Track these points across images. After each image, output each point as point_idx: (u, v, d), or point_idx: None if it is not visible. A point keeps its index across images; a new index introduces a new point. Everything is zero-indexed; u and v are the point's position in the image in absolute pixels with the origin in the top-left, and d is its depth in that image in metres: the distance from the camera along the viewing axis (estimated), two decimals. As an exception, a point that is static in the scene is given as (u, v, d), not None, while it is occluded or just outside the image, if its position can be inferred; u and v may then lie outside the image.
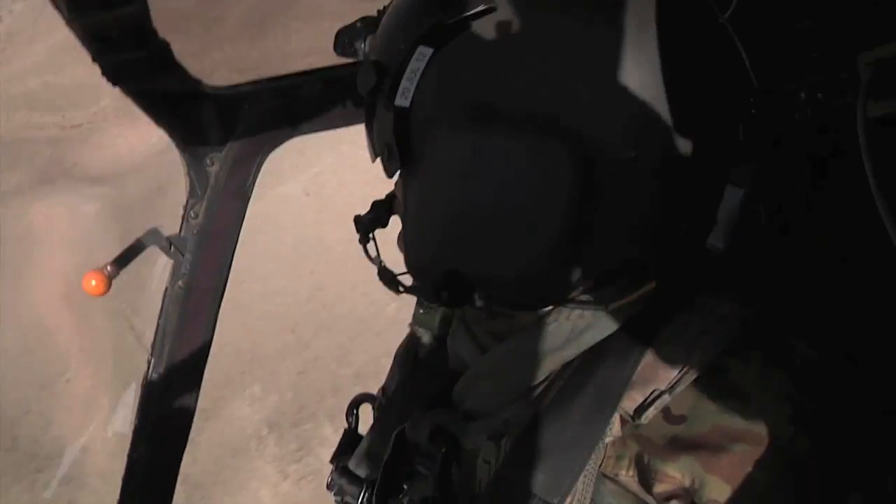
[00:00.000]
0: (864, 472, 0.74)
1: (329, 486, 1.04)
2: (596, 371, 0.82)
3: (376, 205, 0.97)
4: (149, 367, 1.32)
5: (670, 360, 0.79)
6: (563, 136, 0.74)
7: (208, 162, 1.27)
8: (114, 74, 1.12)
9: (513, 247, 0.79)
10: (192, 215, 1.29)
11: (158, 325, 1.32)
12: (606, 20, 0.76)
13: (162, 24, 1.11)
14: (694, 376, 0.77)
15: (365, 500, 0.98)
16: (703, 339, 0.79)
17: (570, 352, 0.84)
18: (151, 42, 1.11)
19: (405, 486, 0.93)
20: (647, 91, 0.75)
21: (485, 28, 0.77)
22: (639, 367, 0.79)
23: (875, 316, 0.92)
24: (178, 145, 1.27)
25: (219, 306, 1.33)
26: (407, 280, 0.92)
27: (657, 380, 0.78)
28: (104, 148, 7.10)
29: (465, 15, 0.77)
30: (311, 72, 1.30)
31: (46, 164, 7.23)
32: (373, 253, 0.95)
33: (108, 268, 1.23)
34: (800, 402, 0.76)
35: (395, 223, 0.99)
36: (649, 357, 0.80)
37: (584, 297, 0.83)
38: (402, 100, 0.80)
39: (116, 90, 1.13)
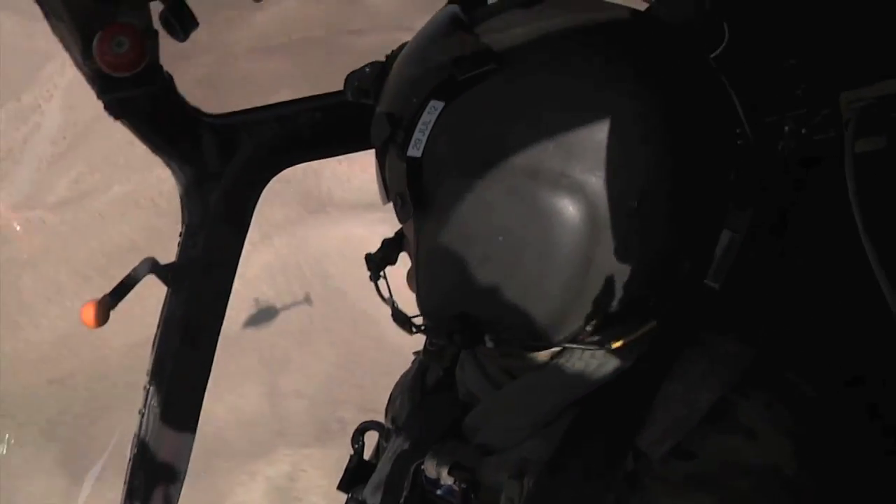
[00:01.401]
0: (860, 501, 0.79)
1: None
2: (609, 409, 0.86)
3: (386, 243, 1.00)
4: (147, 397, 1.31)
5: (679, 397, 0.83)
6: (570, 188, 0.79)
7: (207, 190, 1.27)
8: (117, 110, 1.11)
9: (522, 292, 0.83)
10: (190, 244, 1.28)
11: (156, 355, 1.31)
12: (606, 78, 0.81)
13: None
14: (702, 413, 0.81)
15: None
16: (709, 377, 0.84)
17: (583, 389, 0.89)
18: (157, 78, 1.11)
19: None
20: (648, 143, 0.80)
21: (494, 84, 0.82)
22: (650, 405, 0.83)
23: (864, 345, 0.97)
24: (175, 174, 1.27)
25: (217, 336, 1.33)
26: (419, 320, 0.95)
27: (667, 417, 0.82)
28: (351, 178, 7.07)
29: (476, 72, 0.82)
30: (309, 99, 1.31)
31: (299, 197, 7.08)
32: (384, 290, 0.98)
33: (106, 299, 1.22)
34: (802, 438, 0.81)
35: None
36: (659, 395, 0.84)
37: (590, 339, 0.87)
38: (415, 151, 0.84)
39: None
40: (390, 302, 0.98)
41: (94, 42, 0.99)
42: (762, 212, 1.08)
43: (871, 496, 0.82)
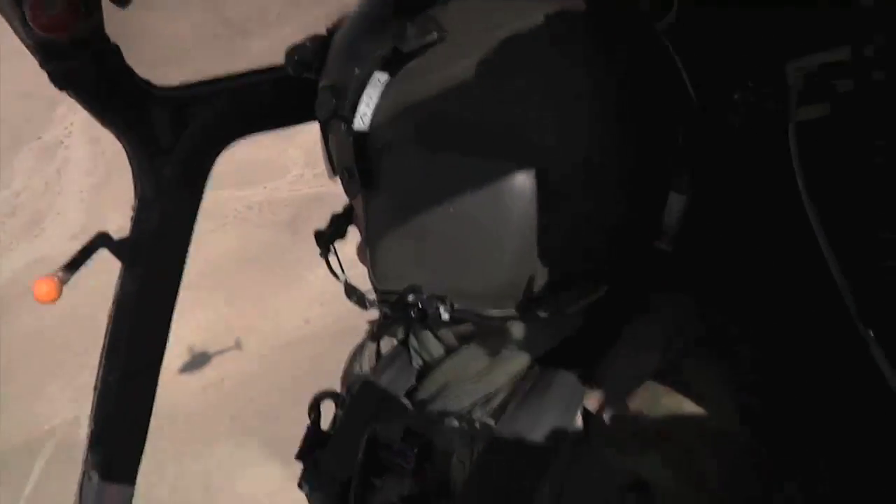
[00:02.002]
0: (800, 460, 0.81)
1: (300, 485, 1.06)
2: (560, 372, 0.87)
3: (336, 218, 0.99)
4: (101, 372, 1.30)
5: (628, 359, 0.84)
6: (519, 155, 0.79)
7: (158, 164, 1.25)
8: (62, 80, 1.09)
9: (474, 262, 0.83)
10: (143, 218, 1.27)
11: (109, 330, 1.30)
12: (553, 42, 0.81)
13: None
14: (649, 374, 0.83)
15: (338, 498, 1.01)
16: (656, 337, 0.85)
17: (535, 353, 0.89)
18: (103, 48, 1.09)
19: (377, 483, 0.96)
20: (596, 108, 0.81)
21: (438, 53, 0.82)
22: (599, 367, 0.84)
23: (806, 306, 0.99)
24: (126, 148, 1.25)
25: (172, 310, 1.32)
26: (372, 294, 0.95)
27: (615, 378, 0.83)
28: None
29: (420, 44, 0.81)
30: (260, 71, 1.30)
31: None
32: (335, 265, 0.98)
33: (59, 273, 1.21)
34: (745, 398, 0.82)
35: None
36: (608, 356, 0.85)
37: (543, 305, 0.88)
38: (361, 124, 0.83)
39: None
40: (342, 277, 0.98)
41: (26, 4, 0.97)
42: (710, 176, 1.10)
43: (814, 454, 0.84)
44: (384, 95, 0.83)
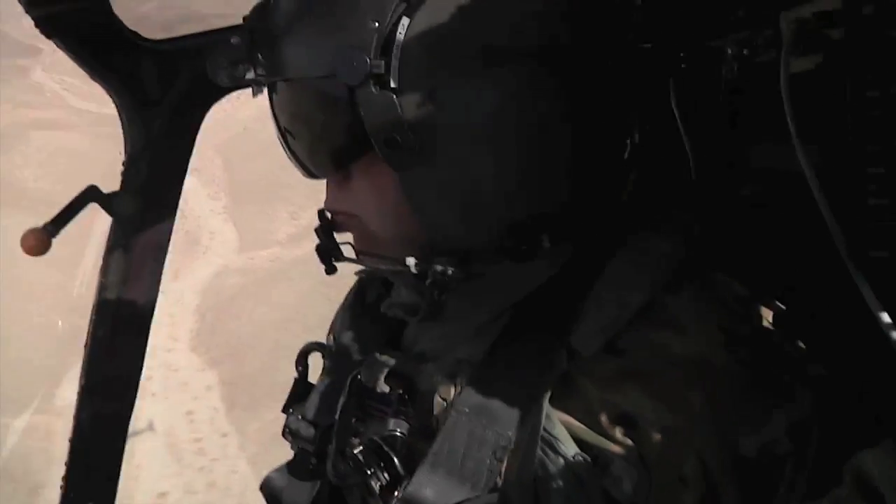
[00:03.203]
0: (787, 390, 0.81)
1: (284, 433, 1.06)
2: (542, 309, 0.87)
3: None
4: (92, 326, 1.30)
5: (610, 297, 0.84)
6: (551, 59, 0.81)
7: (148, 117, 1.25)
8: (48, 26, 1.08)
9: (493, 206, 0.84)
10: (133, 172, 1.27)
11: (100, 282, 1.30)
12: None
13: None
14: (634, 311, 0.83)
15: (320, 444, 1.01)
16: (641, 275, 0.85)
17: (516, 294, 0.90)
18: None
19: (361, 430, 0.96)
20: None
21: None
22: (582, 305, 0.85)
23: (796, 256, 1.00)
24: (115, 100, 1.24)
25: (163, 263, 1.32)
26: None
27: (600, 315, 0.83)
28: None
29: None
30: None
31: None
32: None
33: (48, 227, 1.21)
34: (731, 331, 0.83)
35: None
36: (591, 295, 0.85)
37: (516, 248, 0.87)
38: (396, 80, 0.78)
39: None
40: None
41: None
42: (702, 126, 1.09)
43: (804, 380, 0.84)
44: (407, 45, 0.77)
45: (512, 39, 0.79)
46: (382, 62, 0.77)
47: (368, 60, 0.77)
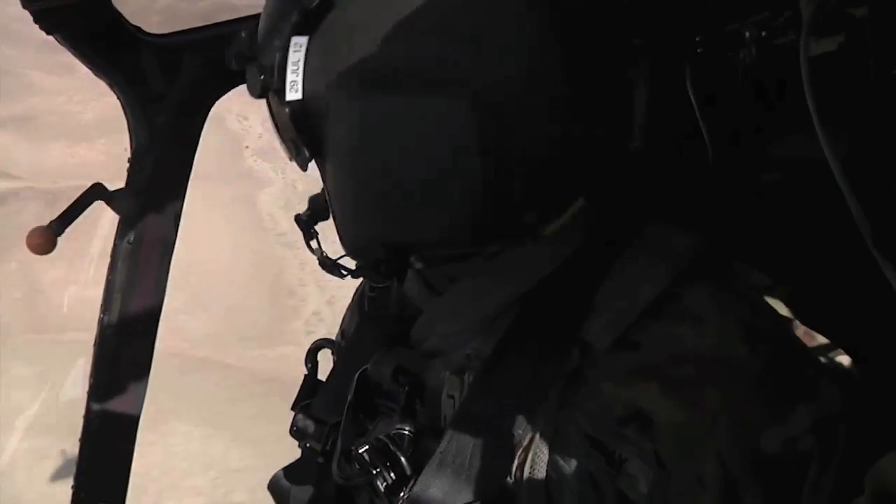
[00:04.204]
0: (811, 385, 0.78)
1: (291, 432, 1.05)
2: (553, 301, 0.84)
3: (312, 200, 0.98)
4: (101, 324, 1.29)
5: (624, 289, 0.81)
6: (451, 83, 0.77)
7: (151, 112, 1.23)
8: (48, 22, 1.07)
9: (431, 204, 0.80)
10: (138, 168, 1.25)
11: (108, 280, 1.29)
12: None
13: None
14: (646, 304, 0.80)
15: (329, 442, 0.99)
16: (654, 268, 0.82)
17: (525, 284, 0.87)
18: None
19: (369, 427, 0.94)
20: (524, 25, 0.78)
21: (349, 2, 0.80)
22: (594, 298, 0.81)
23: (818, 244, 0.96)
24: (119, 97, 1.23)
25: (170, 259, 1.31)
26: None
27: (612, 309, 0.80)
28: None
29: None
30: (251, 17, 1.26)
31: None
32: (315, 247, 0.97)
33: (53, 225, 1.20)
34: (750, 323, 0.79)
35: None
36: (603, 287, 0.82)
37: (516, 231, 0.85)
38: (294, 93, 0.81)
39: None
40: (318, 252, 0.97)
41: None
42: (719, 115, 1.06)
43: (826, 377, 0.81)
44: (309, 59, 0.81)
45: (408, 62, 0.78)
46: (275, 78, 0.83)
47: (262, 77, 0.85)
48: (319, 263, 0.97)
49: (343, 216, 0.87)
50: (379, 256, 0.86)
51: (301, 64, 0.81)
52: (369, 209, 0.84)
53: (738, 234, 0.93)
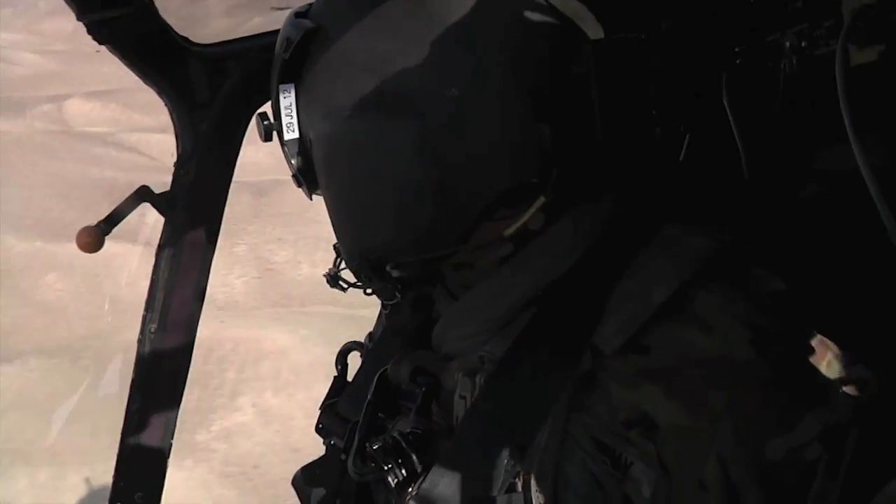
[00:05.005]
0: (821, 392, 0.76)
1: (317, 429, 1.08)
2: (564, 306, 0.85)
3: None
4: (144, 322, 1.34)
5: (635, 292, 0.81)
6: (398, 105, 0.84)
7: (197, 119, 1.28)
8: (100, 33, 1.12)
9: (397, 216, 0.87)
10: (182, 173, 1.30)
11: (152, 280, 1.34)
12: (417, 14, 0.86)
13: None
14: (657, 307, 0.80)
15: (349, 440, 1.02)
16: (667, 271, 0.82)
17: (536, 286, 0.88)
18: (139, 2, 1.12)
19: (389, 426, 0.96)
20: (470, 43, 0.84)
21: (319, 42, 0.90)
22: (606, 301, 0.82)
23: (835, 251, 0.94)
24: (166, 104, 1.28)
25: (210, 262, 1.35)
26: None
27: (623, 312, 0.80)
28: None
29: (298, 42, 0.89)
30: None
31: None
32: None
33: (101, 224, 1.25)
34: (760, 328, 0.78)
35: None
36: (616, 291, 0.82)
37: (484, 231, 0.88)
38: (291, 133, 0.92)
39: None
40: (331, 271, 1.03)
41: None
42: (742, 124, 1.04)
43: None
44: (299, 101, 0.91)
45: (362, 95, 0.87)
46: (274, 122, 0.95)
47: (265, 122, 0.97)
48: (328, 281, 1.03)
49: (336, 235, 0.96)
50: (364, 268, 0.93)
51: (293, 107, 0.91)
52: (348, 224, 0.93)
53: (764, 240, 0.91)
